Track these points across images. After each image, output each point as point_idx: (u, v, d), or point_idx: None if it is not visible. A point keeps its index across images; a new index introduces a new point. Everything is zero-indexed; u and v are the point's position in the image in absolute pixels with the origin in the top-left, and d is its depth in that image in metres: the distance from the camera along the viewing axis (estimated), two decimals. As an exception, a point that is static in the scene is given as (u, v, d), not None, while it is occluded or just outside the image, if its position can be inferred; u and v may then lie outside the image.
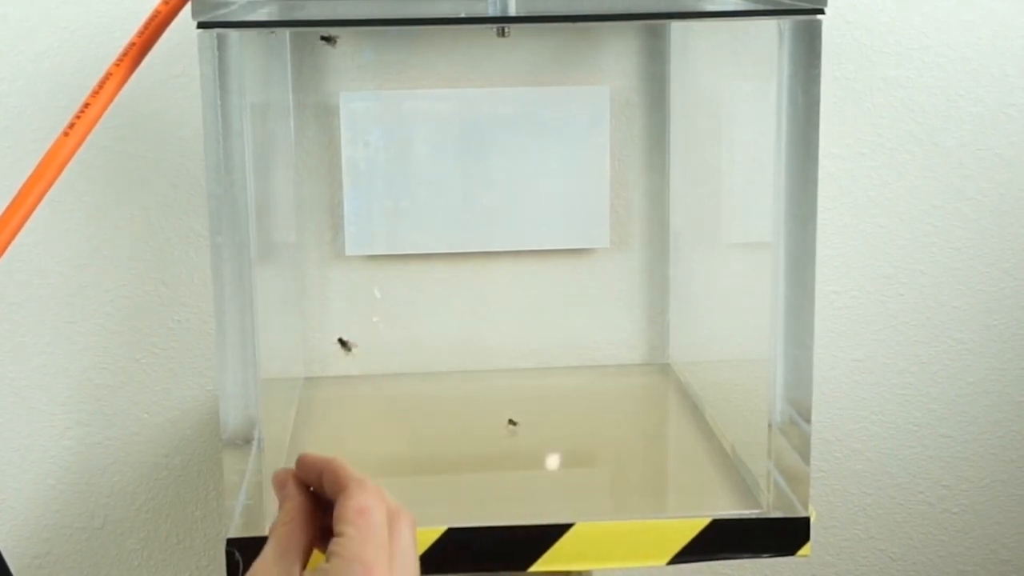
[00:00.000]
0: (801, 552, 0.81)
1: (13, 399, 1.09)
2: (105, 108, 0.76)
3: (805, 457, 0.81)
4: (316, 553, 0.60)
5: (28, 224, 0.73)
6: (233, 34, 0.75)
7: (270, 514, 0.80)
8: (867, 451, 1.17)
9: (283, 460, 0.89)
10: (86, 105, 0.75)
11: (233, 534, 0.77)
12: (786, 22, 0.76)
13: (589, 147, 1.07)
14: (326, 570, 0.54)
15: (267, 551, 0.57)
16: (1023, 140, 1.11)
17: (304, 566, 0.57)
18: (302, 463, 0.60)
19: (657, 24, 1.06)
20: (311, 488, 0.61)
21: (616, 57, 1.07)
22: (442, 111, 1.05)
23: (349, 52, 1.05)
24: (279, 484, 0.60)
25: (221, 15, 0.75)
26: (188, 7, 0.75)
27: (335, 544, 0.55)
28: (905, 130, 1.10)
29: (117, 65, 0.77)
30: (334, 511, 0.57)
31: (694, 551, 0.80)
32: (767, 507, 0.82)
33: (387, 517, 0.57)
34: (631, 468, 0.95)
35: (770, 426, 0.82)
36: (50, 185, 0.74)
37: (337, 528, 0.56)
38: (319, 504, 0.59)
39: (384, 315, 1.10)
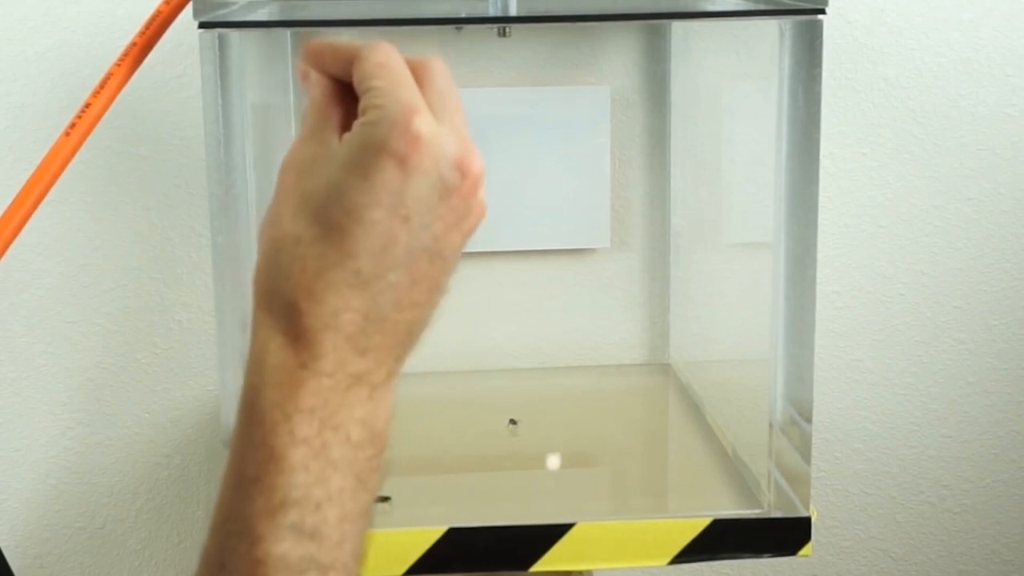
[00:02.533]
0: (802, 552, 0.81)
1: (13, 399, 1.09)
2: (106, 108, 0.76)
3: (806, 457, 0.81)
4: None
5: (29, 224, 0.73)
6: (234, 34, 0.75)
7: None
8: (867, 451, 1.17)
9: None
10: (87, 105, 0.75)
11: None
12: (787, 22, 0.76)
13: (589, 147, 1.07)
14: (369, 121, 0.49)
15: (300, 135, 0.53)
16: (1023, 140, 1.11)
17: (341, 139, 0.52)
18: (310, 51, 0.55)
19: (658, 24, 1.06)
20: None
21: (616, 57, 1.07)
22: (442, 111, 1.05)
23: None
24: (303, 75, 0.55)
25: (222, 15, 0.75)
26: (189, 7, 0.75)
27: (366, 99, 0.50)
28: (905, 130, 1.10)
29: (118, 65, 0.77)
30: (354, 78, 0.52)
31: (695, 551, 0.80)
32: (768, 507, 0.82)
33: (412, 69, 0.52)
34: (632, 468, 0.95)
35: (771, 426, 0.82)
36: (51, 185, 0.74)
37: (363, 88, 0.51)
38: (346, 89, 0.54)
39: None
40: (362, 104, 0.50)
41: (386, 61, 0.51)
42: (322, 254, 0.48)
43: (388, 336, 0.50)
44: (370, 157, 0.49)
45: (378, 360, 0.50)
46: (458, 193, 0.52)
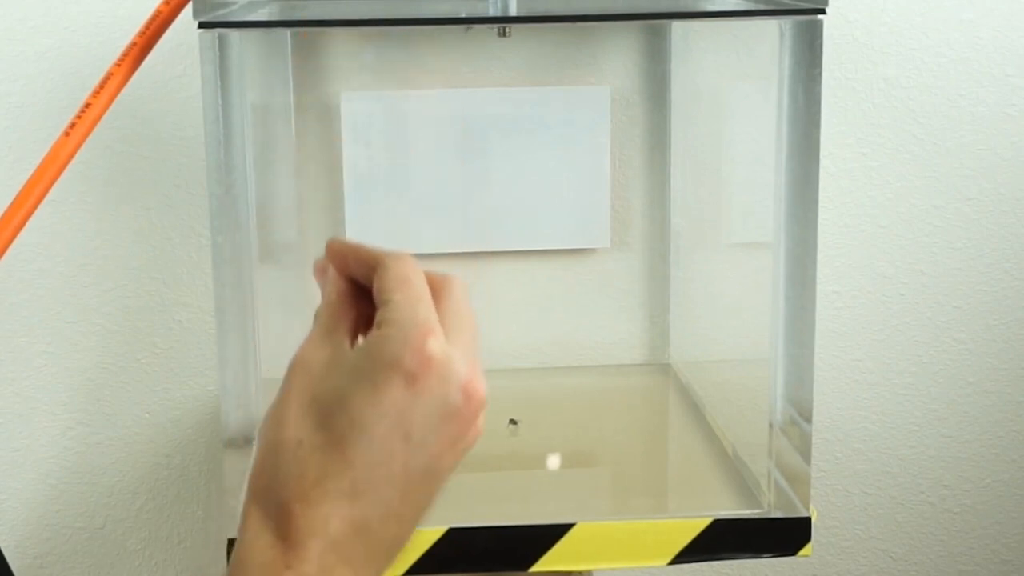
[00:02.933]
0: (802, 552, 0.81)
1: (13, 399, 1.09)
2: (106, 108, 0.76)
3: (806, 457, 0.81)
4: None
5: (29, 224, 0.73)
6: (234, 34, 0.75)
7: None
8: (867, 451, 1.17)
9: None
10: (87, 105, 0.75)
11: (234, 534, 0.77)
12: (787, 22, 0.76)
13: (589, 147, 1.07)
14: (384, 336, 0.51)
15: (313, 334, 0.54)
16: (1023, 140, 1.11)
17: (353, 343, 0.54)
18: (332, 250, 0.57)
19: (658, 24, 1.06)
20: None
21: (616, 57, 1.07)
22: (443, 111, 1.05)
23: (349, 52, 1.05)
24: (319, 271, 0.57)
25: (222, 15, 0.75)
26: (189, 7, 0.75)
27: (383, 312, 0.52)
28: (905, 130, 1.10)
29: (118, 65, 0.77)
30: (374, 287, 0.53)
31: (695, 551, 0.80)
32: (768, 507, 0.82)
33: (431, 285, 0.54)
34: (632, 468, 0.95)
35: (771, 426, 0.82)
36: (51, 185, 0.74)
37: (382, 299, 0.52)
38: (361, 290, 0.56)
39: (384, 315, 1.10)
40: (379, 316, 0.52)
41: (407, 275, 0.53)
42: (323, 461, 0.50)
43: (371, 548, 0.51)
44: (381, 372, 0.50)
45: (357, 571, 0.51)
46: (460, 416, 0.52)
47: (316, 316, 0.55)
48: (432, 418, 0.51)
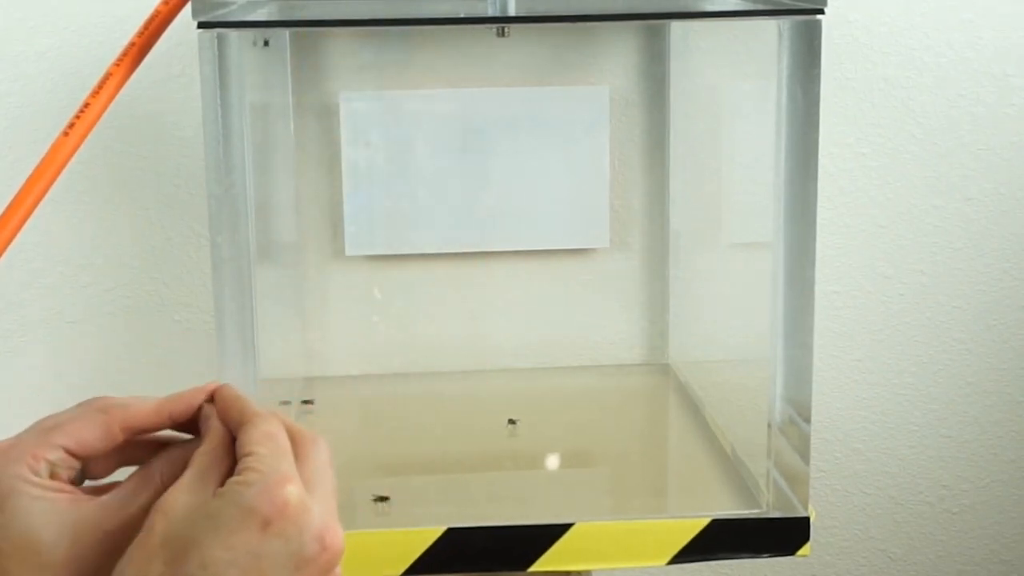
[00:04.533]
0: (801, 552, 0.82)
1: (13, 400, 1.09)
2: (105, 108, 0.76)
3: (805, 457, 0.81)
4: None
5: (28, 224, 0.73)
6: (233, 34, 0.75)
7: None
8: (867, 451, 1.17)
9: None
10: (86, 105, 0.75)
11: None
12: (786, 22, 0.76)
13: (589, 147, 1.07)
14: (243, 482, 0.52)
15: (186, 476, 0.55)
16: (1023, 140, 1.11)
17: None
18: (219, 396, 0.59)
19: (657, 24, 1.06)
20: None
21: (616, 57, 1.07)
22: (442, 111, 1.05)
23: (349, 52, 1.05)
24: (203, 417, 0.59)
25: (221, 15, 0.75)
26: (188, 7, 0.75)
27: (247, 461, 0.53)
28: (905, 130, 1.10)
29: (117, 65, 0.77)
30: (238, 441, 0.55)
31: (694, 551, 0.81)
32: (767, 507, 0.82)
33: (297, 440, 0.56)
34: (631, 468, 0.95)
35: (770, 426, 0.82)
36: (50, 185, 0.74)
37: (244, 451, 0.54)
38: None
39: (384, 315, 1.10)
40: (241, 464, 0.53)
41: (272, 432, 0.55)
42: None
43: None
44: (237, 516, 0.51)
45: None
46: (314, 564, 0.52)
47: (193, 458, 0.56)
48: (286, 565, 0.51)
